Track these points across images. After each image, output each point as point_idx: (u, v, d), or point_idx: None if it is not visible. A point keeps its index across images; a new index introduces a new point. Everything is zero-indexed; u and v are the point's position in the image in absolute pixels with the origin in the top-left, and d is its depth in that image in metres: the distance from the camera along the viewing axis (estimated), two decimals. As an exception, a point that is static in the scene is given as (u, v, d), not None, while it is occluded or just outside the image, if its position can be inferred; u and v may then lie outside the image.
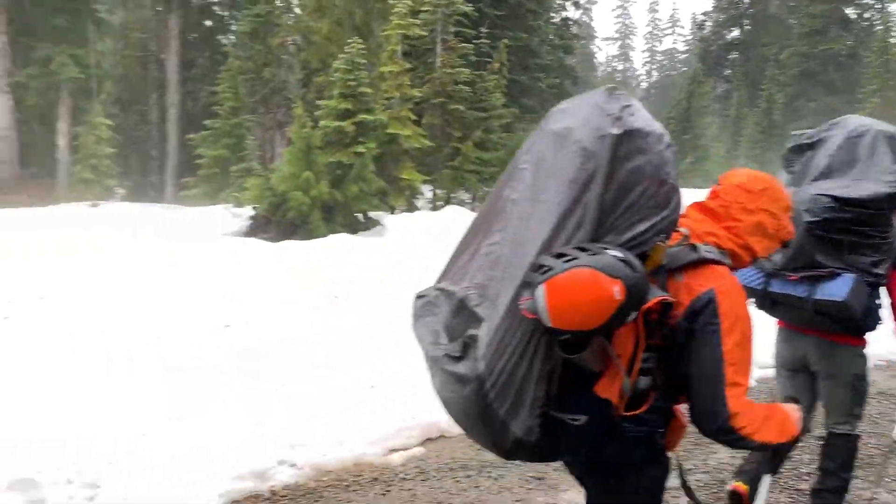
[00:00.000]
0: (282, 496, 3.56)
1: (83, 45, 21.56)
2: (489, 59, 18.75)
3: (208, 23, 29.97)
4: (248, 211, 13.31)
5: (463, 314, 1.67)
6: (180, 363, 4.98)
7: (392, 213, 14.30)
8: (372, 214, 13.30)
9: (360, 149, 12.84)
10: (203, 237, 12.26)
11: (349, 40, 13.71)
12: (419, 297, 1.81)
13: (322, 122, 13.18)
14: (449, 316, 1.70)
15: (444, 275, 1.82)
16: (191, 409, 4.30)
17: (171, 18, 25.66)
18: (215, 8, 30.58)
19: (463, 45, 16.81)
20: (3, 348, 4.94)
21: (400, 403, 4.58)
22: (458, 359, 1.63)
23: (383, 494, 3.63)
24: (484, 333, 1.60)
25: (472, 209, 15.91)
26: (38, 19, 21.23)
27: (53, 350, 4.94)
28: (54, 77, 20.22)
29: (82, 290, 6.62)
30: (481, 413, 1.62)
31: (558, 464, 4.06)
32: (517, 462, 4.03)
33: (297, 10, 22.04)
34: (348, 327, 6.12)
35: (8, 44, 19.23)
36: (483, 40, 18.25)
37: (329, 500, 3.55)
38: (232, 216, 13.90)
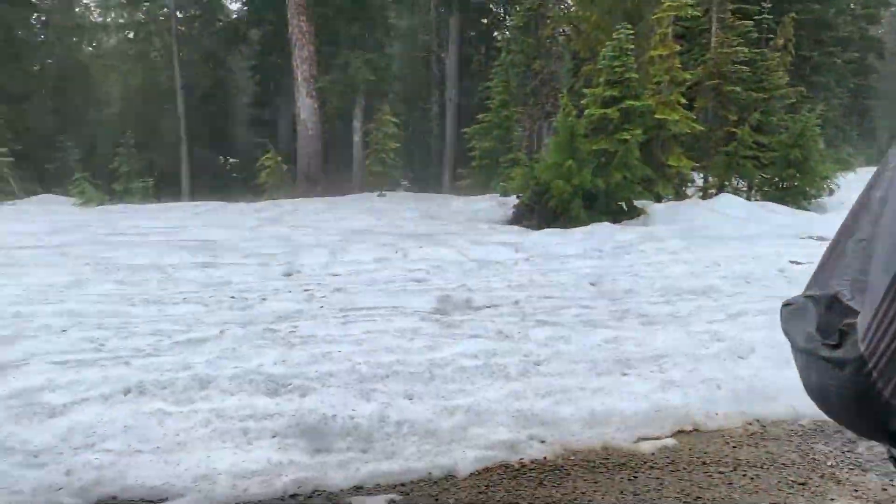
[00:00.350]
0: (529, 469, 3.75)
1: (376, 50, 23.82)
2: (772, 36, 17.28)
3: (484, 20, 31.37)
4: (514, 200, 13.82)
5: (836, 310, 1.69)
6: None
7: (658, 201, 13.89)
8: (636, 203, 13.06)
9: (625, 135, 12.64)
10: (468, 224, 13.00)
11: (617, 27, 13.53)
12: (786, 304, 1.87)
13: (587, 111, 13.20)
14: (821, 315, 1.74)
15: (813, 282, 1.86)
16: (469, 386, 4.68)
17: (451, 19, 27.29)
18: (492, 5, 31.91)
19: (742, 22, 15.69)
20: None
21: (652, 392, 4.54)
22: (836, 346, 1.66)
23: (630, 480, 3.66)
24: (862, 319, 1.61)
25: (748, 198, 14.85)
26: (340, 28, 23.89)
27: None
28: (351, 80, 22.61)
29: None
30: (863, 395, 1.63)
31: (826, 468, 3.76)
32: (778, 463, 3.82)
33: (569, 1, 22.19)
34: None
35: (314, 52, 21.87)
36: (766, 16, 16.86)
37: (575, 479, 3.66)
38: (499, 205, 14.55)
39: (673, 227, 11.15)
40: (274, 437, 3.96)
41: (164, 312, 6.50)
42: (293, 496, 3.50)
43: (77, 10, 34.93)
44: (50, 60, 29.65)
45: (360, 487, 3.58)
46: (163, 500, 3.38)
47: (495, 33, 31.11)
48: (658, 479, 3.67)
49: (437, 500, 3.45)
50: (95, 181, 20.94)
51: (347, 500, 3.44)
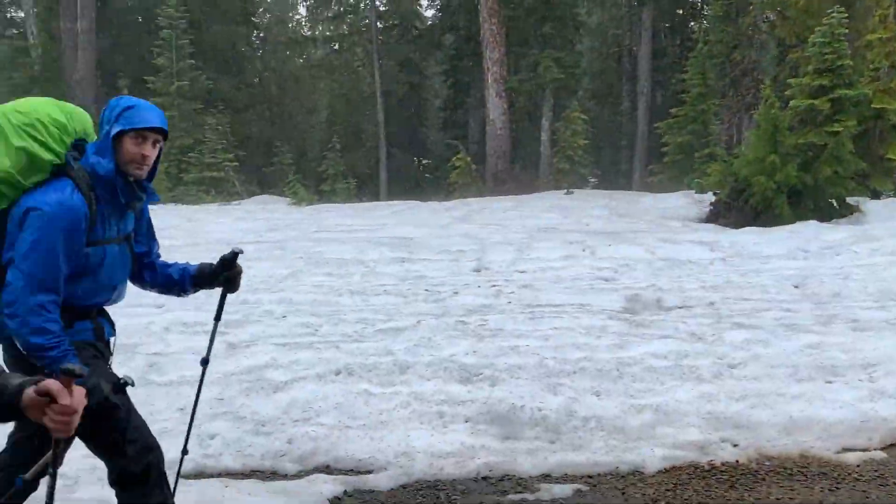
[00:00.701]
0: (721, 471, 3.68)
1: (565, 48, 23.79)
2: None
3: (680, 11, 30.17)
4: (710, 197, 13.24)
5: None
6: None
7: (875, 197, 12.67)
8: (849, 199, 12.01)
9: (836, 127, 11.66)
10: (659, 222, 12.65)
11: (829, 10, 12.50)
12: None
13: (792, 102, 12.33)
14: None
15: None
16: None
17: (644, 11, 26.55)
18: (687, -5, 30.61)
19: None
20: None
21: (859, 402, 4.26)
22: None
23: (830, 491, 3.49)
24: None
25: None
26: (530, 29, 24.14)
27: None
28: (540, 80, 22.76)
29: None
30: None
31: None
32: None
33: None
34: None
35: (504, 54, 22.28)
36: None
37: (770, 485, 3.55)
38: (694, 202, 14.01)
39: (891, 226, 10.13)
40: (467, 421, 4.21)
41: (368, 302, 7.05)
42: (485, 478, 3.72)
43: (290, 25, 38.19)
44: (266, 73, 32.65)
45: (548, 475, 3.72)
46: (369, 472, 3.74)
47: (691, 23, 29.80)
48: (863, 492, 3.46)
49: (623, 493, 3.51)
50: (305, 182, 22.87)
51: (536, 487, 3.60)
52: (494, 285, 7.85)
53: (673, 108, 21.02)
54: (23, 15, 26.90)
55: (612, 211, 15.11)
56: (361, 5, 31.16)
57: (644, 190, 21.08)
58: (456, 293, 7.45)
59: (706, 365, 4.87)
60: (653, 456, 3.79)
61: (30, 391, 1.45)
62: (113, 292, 2.59)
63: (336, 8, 32.49)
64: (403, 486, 3.60)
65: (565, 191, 19.15)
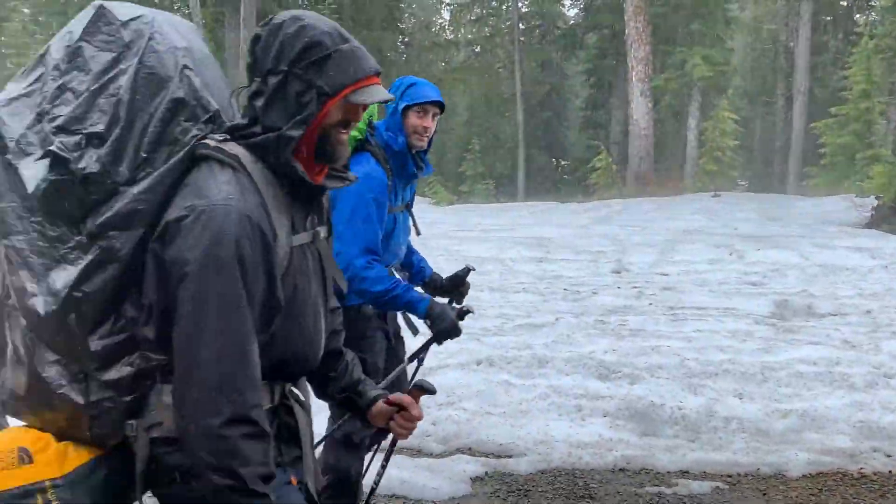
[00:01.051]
0: (871, 480, 3.56)
1: (714, 45, 22.89)
2: None
3: (843, 3, 28.20)
4: (872, 201, 12.39)
5: None
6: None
7: None
8: None
9: None
10: (814, 227, 12.00)
11: None
12: None
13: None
14: None
15: None
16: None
17: (802, 4, 25.04)
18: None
19: None
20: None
21: None
22: None
23: None
24: None
25: None
26: (677, 26, 23.44)
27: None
28: (687, 78, 22.04)
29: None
30: None
31: None
32: None
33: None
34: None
35: (650, 52, 21.76)
36: None
37: (926, 499, 3.40)
38: (854, 207, 13.14)
39: None
40: (605, 416, 4.30)
41: (507, 299, 7.25)
42: (622, 470, 3.80)
43: (433, 29, 39.13)
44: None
45: (686, 472, 3.75)
46: (509, 457, 3.92)
47: (857, 16, 27.76)
48: None
49: (765, 494, 3.48)
50: (446, 183, 23.43)
51: (673, 482, 3.64)
52: (635, 286, 7.82)
53: (833, 106, 19.71)
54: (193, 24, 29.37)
55: (762, 214, 14.47)
56: (504, 7, 31.42)
57: (799, 193, 19.94)
58: (595, 293, 7.50)
59: (860, 373, 4.68)
60: (797, 460, 3.73)
61: (381, 403, 1.67)
62: (397, 256, 2.89)
63: (479, 11, 32.97)
64: (542, 472, 3.76)
65: (712, 194, 18.48)
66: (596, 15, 27.43)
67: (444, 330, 2.67)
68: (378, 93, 1.39)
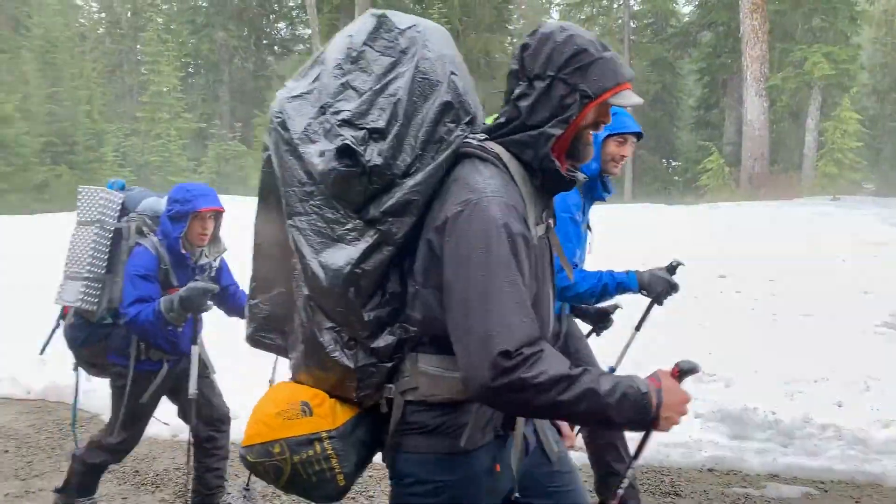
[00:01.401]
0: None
1: (838, 42, 21.74)
2: None
3: None
4: None
5: None
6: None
7: None
8: None
9: None
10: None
11: None
12: None
13: None
14: None
15: None
16: None
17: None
18: None
19: None
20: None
21: None
22: None
23: None
24: None
25: None
26: (797, 23, 22.41)
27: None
28: (807, 77, 21.04)
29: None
30: None
31: None
32: None
33: None
34: None
35: (766, 50, 20.92)
36: None
37: None
38: None
39: None
40: (696, 417, 4.35)
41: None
42: (710, 470, 3.87)
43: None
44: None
45: (776, 476, 3.77)
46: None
47: None
48: None
49: (857, 502, 3.47)
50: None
51: (762, 484, 3.68)
52: (738, 291, 7.70)
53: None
54: (310, 31, 30.52)
55: (884, 220, 13.70)
56: (615, 6, 30.97)
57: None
58: (695, 297, 7.43)
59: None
60: None
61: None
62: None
63: (589, 10, 32.64)
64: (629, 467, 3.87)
65: (831, 197, 17.61)
66: (710, 12, 26.60)
67: (662, 291, 2.81)
68: (632, 97, 1.51)
